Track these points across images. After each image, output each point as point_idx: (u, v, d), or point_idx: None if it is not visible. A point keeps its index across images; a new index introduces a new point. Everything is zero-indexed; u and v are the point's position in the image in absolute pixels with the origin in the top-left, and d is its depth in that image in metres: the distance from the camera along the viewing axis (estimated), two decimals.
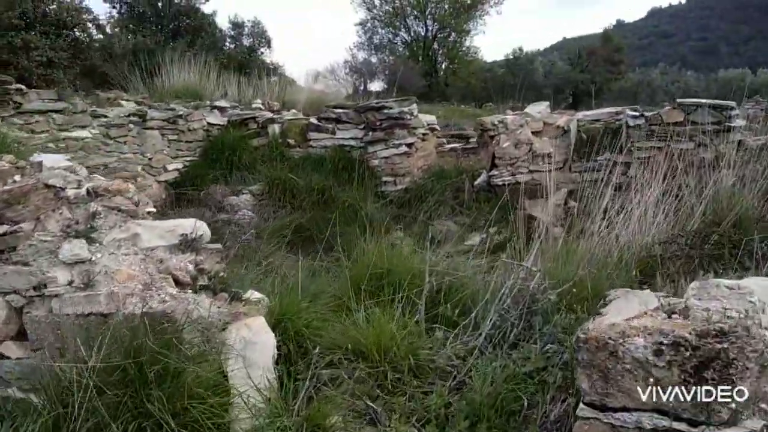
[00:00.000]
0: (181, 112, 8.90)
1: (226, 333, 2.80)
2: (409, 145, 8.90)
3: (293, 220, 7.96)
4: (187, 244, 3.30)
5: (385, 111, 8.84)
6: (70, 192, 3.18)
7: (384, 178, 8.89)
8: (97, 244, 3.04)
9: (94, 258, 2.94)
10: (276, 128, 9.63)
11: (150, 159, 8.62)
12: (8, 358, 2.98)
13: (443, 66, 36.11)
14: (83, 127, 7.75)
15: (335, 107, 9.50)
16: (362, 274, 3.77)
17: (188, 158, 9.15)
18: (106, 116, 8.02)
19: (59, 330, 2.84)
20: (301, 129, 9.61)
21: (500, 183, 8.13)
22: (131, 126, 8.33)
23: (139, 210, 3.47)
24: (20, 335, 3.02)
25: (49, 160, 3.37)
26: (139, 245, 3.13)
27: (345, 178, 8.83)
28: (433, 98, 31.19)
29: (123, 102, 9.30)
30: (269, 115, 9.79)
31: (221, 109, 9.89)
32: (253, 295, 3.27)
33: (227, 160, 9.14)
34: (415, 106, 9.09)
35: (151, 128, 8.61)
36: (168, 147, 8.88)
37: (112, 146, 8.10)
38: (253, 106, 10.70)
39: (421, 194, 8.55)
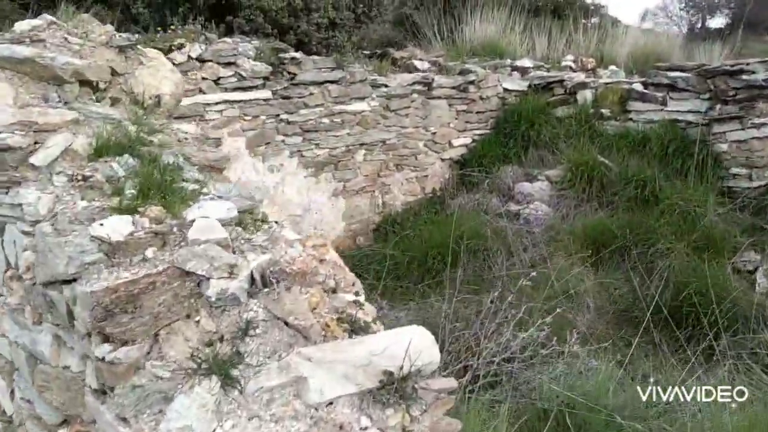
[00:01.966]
0: (472, 78, 7.48)
1: None
2: None
3: (599, 223, 6.10)
4: (394, 389, 1.88)
5: (744, 77, 6.32)
6: (215, 287, 1.95)
7: (733, 170, 6.46)
8: (236, 392, 1.78)
9: None
10: (587, 95, 7.69)
11: (434, 134, 7.43)
12: None
13: None
14: (361, 98, 6.80)
15: (669, 69, 7.19)
16: None
17: (478, 132, 7.75)
18: (386, 85, 6.96)
19: None
20: (620, 96, 7.51)
21: None
22: (414, 96, 7.18)
23: (334, 302, 2.13)
24: None
25: (207, 215, 2.18)
26: (305, 399, 1.79)
27: (676, 167, 6.61)
28: None
29: (416, 62, 8.23)
30: (580, 77, 7.86)
31: (522, 71, 8.25)
32: None
33: (523, 135, 7.52)
34: None
35: (438, 98, 7.36)
36: (455, 119, 7.58)
37: (392, 119, 7.06)
38: (563, 64, 8.85)
39: None
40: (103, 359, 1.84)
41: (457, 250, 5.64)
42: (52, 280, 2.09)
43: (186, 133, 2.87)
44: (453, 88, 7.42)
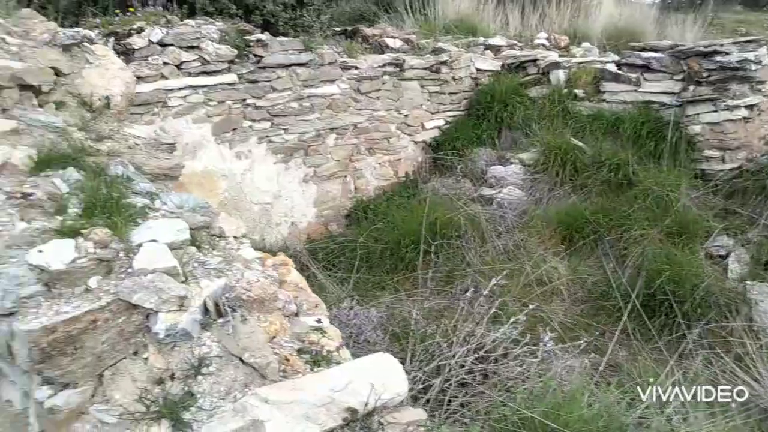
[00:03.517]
0: (445, 58, 7.31)
1: None
2: (750, 107, 6.25)
3: (572, 208, 6.03)
4: (359, 427, 1.77)
5: (717, 58, 6.24)
6: (164, 321, 1.82)
7: (706, 152, 6.41)
8: None
9: None
10: (560, 75, 7.58)
11: (406, 116, 7.27)
12: None
13: None
14: (331, 81, 6.61)
15: (642, 49, 7.09)
16: None
17: (451, 113, 7.61)
18: (357, 68, 6.78)
19: None
20: (594, 76, 7.41)
21: None
22: (386, 78, 7.00)
23: (295, 328, 2.01)
24: None
25: (156, 238, 2.03)
26: None
27: (649, 149, 6.54)
28: (763, 4, 25.74)
29: (388, 40, 8.05)
30: (553, 57, 7.73)
31: (495, 49, 8.10)
32: None
33: (496, 117, 7.40)
34: (764, 50, 6.32)
35: (410, 79, 7.19)
36: (428, 101, 7.43)
37: (363, 102, 6.89)
38: (535, 42, 8.71)
39: (765, 181, 5.94)
40: (42, 403, 1.70)
41: (430, 238, 5.55)
42: None
43: (138, 137, 2.70)
44: (425, 69, 7.26)
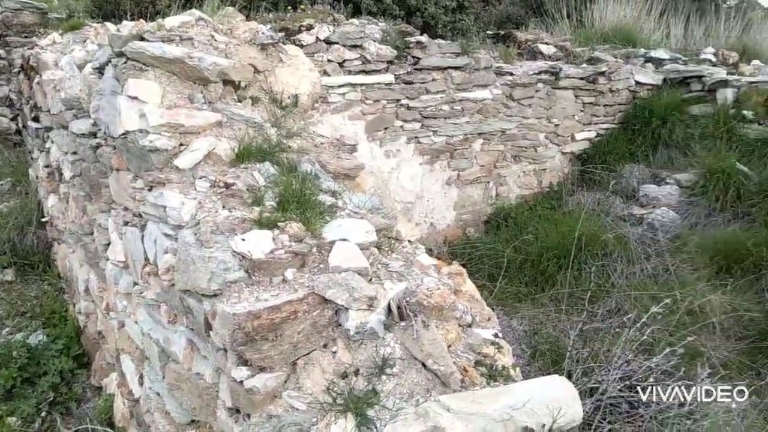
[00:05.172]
0: (603, 69, 7.09)
1: None
2: None
3: (732, 237, 5.65)
4: None
5: None
6: (355, 319, 1.90)
7: None
8: None
9: None
10: (728, 94, 7.13)
11: (556, 126, 7.13)
12: None
13: None
14: (484, 86, 6.59)
15: None
16: None
17: (604, 126, 7.37)
18: (512, 74, 6.72)
19: None
20: (767, 98, 6.90)
21: None
22: (540, 85, 6.89)
23: (469, 339, 2.04)
24: None
25: (346, 237, 2.12)
26: None
27: None
28: None
29: (542, 46, 7.92)
30: (721, 74, 7.28)
31: (657, 62, 7.74)
32: None
33: (653, 133, 7.09)
34: None
35: (564, 88, 7.03)
36: (581, 112, 7.23)
37: (514, 109, 6.82)
38: (701, 56, 8.22)
39: None
40: (240, 383, 1.84)
41: (574, 253, 5.41)
42: (192, 290, 2.11)
43: (322, 136, 2.83)
44: (581, 78, 7.07)
